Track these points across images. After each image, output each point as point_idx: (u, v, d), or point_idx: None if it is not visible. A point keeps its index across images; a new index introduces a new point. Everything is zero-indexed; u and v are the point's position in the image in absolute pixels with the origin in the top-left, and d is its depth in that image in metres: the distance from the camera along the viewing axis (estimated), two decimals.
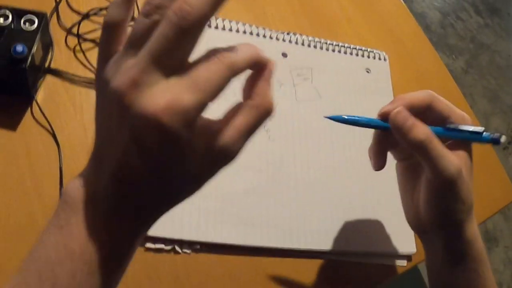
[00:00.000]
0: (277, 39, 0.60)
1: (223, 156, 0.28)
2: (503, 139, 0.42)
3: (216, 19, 0.58)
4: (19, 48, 0.42)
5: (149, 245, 0.45)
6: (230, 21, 0.59)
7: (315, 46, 0.62)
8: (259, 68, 0.29)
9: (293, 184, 0.52)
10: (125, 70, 0.25)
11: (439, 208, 0.42)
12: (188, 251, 0.47)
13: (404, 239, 0.53)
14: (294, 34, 0.62)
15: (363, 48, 0.66)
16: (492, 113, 2.14)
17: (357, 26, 0.71)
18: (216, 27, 0.58)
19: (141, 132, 0.25)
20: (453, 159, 0.39)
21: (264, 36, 0.60)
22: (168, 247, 0.46)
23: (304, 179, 0.53)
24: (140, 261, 0.45)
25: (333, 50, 0.63)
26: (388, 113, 0.41)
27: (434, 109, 0.42)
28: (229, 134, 0.27)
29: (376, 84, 0.64)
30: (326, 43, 0.63)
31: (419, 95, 0.42)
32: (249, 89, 0.29)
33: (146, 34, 0.25)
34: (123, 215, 0.28)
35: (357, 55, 0.65)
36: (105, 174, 0.27)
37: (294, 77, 0.59)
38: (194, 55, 0.27)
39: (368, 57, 0.65)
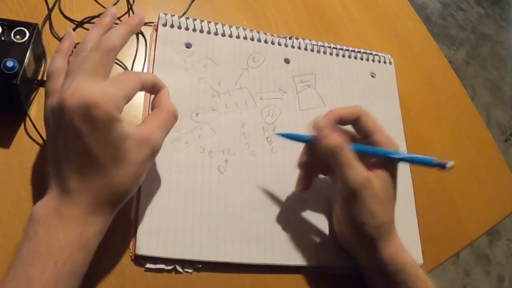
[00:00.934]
0: (279, 44, 0.58)
1: (147, 145, 0.38)
2: (449, 164, 0.42)
3: (216, 24, 0.56)
4: (10, 63, 0.40)
5: (149, 265, 0.44)
6: (230, 27, 0.56)
7: (318, 51, 0.60)
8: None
9: (298, 197, 0.51)
10: (67, 87, 0.35)
11: (348, 217, 0.45)
12: (190, 270, 0.45)
13: (410, 251, 0.52)
14: (297, 38, 0.60)
15: (368, 52, 0.64)
16: (493, 104, 2.12)
17: (361, 27, 0.68)
18: (216, 33, 0.55)
19: (82, 114, 0.34)
20: (360, 170, 0.42)
21: (266, 41, 0.58)
22: (169, 267, 0.44)
23: (310, 191, 0.51)
24: (140, 283, 0.43)
25: (337, 55, 0.61)
26: (319, 126, 0.46)
27: (360, 124, 0.46)
28: (148, 129, 0.38)
29: (382, 89, 0.62)
30: (330, 47, 0.61)
31: (348, 110, 0.47)
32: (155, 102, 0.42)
33: (77, 66, 0.37)
34: (89, 209, 0.36)
35: (361, 59, 0.63)
36: (66, 174, 0.35)
37: (297, 84, 0.57)
38: None
39: (373, 61, 0.63)
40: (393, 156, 0.45)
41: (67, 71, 0.38)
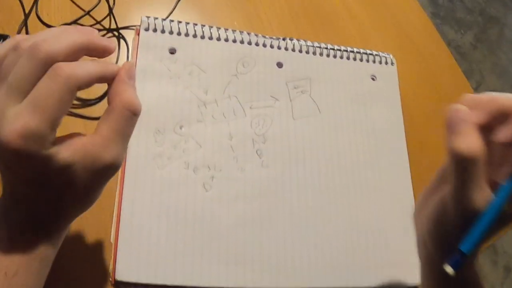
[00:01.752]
0: (272, 46, 0.54)
1: (101, 165, 0.29)
2: None
3: (202, 26, 0.52)
4: None
5: None
6: (218, 29, 0.53)
7: (314, 53, 0.56)
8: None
9: (289, 214, 0.48)
10: None
11: (443, 233, 0.35)
12: None
13: (410, 270, 0.49)
14: (291, 39, 0.56)
15: (368, 52, 0.60)
16: (501, 89, 2.07)
17: (362, 23, 0.65)
18: (202, 37, 0.52)
19: (6, 159, 0.27)
20: (485, 194, 0.32)
21: (257, 44, 0.54)
22: None
23: (302, 208, 0.48)
24: None
25: (335, 56, 0.57)
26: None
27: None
28: (98, 143, 0.29)
29: (382, 92, 0.58)
30: (327, 48, 0.57)
31: (506, 100, 0.33)
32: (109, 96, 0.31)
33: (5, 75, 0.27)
34: (30, 231, 0.30)
35: (361, 60, 0.59)
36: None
37: (290, 90, 0.53)
38: None
39: (374, 62, 0.59)
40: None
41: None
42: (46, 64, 0.27)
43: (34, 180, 0.28)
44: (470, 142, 0.31)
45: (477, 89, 2.00)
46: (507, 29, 2.23)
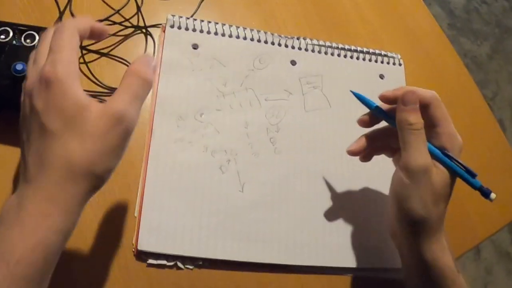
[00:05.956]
0: (286, 46, 0.59)
1: (112, 112, 0.33)
2: (493, 196, 0.43)
3: (223, 25, 0.57)
4: (19, 66, 0.42)
5: (151, 261, 0.45)
6: (237, 28, 0.57)
7: (325, 52, 0.60)
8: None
9: (299, 198, 0.51)
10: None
11: (399, 199, 0.44)
12: (190, 266, 0.46)
13: None
14: (304, 39, 0.60)
15: (377, 52, 0.64)
16: None
17: (372, 25, 0.68)
18: (223, 35, 0.56)
19: (37, 89, 0.33)
20: (425, 155, 0.43)
21: (273, 43, 0.58)
22: (171, 263, 0.46)
23: (311, 192, 0.52)
24: (143, 277, 0.45)
25: (345, 56, 0.61)
26: (391, 98, 0.46)
27: (429, 111, 0.45)
28: (112, 97, 0.34)
29: None
30: (338, 48, 0.61)
31: (422, 91, 0.45)
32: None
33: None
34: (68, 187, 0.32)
35: (370, 60, 0.63)
36: (28, 161, 0.32)
37: (303, 86, 0.57)
38: None
39: (382, 62, 0.63)
40: (441, 159, 0.44)
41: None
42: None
43: (49, 113, 0.32)
44: (418, 117, 0.44)
45: (493, 99, 2.01)
46: None
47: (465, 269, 1.62)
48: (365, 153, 0.50)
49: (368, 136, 0.49)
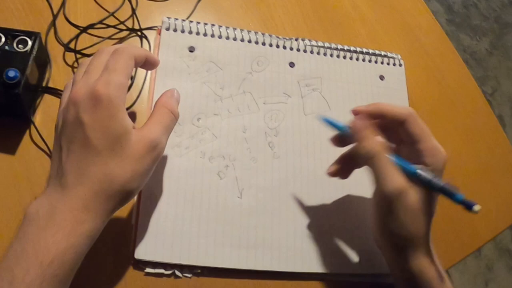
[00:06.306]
0: (284, 47, 0.58)
1: (148, 139, 0.37)
2: (476, 208, 0.39)
3: (220, 27, 0.56)
4: (11, 73, 0.41)
5: (148, 270, 0.44)
6: (234, 30, 0.56)
7: (324, 54, 0.59)
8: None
9: (298, 203, 0.50)
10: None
11: (379, 222, 0.44)
12: (189, 275, 0.46)
13: None
14: (303, 40, 0.59)
15: (377, 53, 0.63)
16: None
17: (371, 25, 0.67)
18: (220, 37, 0.55)
19: (87, 103, 0.35)
20: (396, 179, 0.41)
21: (270, 45, 0.57)
22: (168, 272, 0.45)
23: (311, 197, 0.51)
24: (140, 286, 0.44)
25: (344, 57, 0.60)
26: (359, 112, 0.46)
27: (406, 129, 0.44)
28: (146, 125, 0.39)
29: (390, 92, 0.61)
30: (337, 49, 0.60)
31: (396, 109, 0.44)
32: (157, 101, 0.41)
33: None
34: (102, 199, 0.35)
35: (370, 61, 0.62)
36: (66, 168, 0.35)
37: (302, 88, 0.56)
38: None
39: (382, 63, 0.62)
40: (419, 178, 0.42)
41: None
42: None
43: (96, 131, 0.35)
44: (375, 141, 0.43)
45: (492, 94, 2.00)
46: None
47: (466, 266, 1.61)
48: (344, 171, 0.49)
49: (346, 155, 0.49)
